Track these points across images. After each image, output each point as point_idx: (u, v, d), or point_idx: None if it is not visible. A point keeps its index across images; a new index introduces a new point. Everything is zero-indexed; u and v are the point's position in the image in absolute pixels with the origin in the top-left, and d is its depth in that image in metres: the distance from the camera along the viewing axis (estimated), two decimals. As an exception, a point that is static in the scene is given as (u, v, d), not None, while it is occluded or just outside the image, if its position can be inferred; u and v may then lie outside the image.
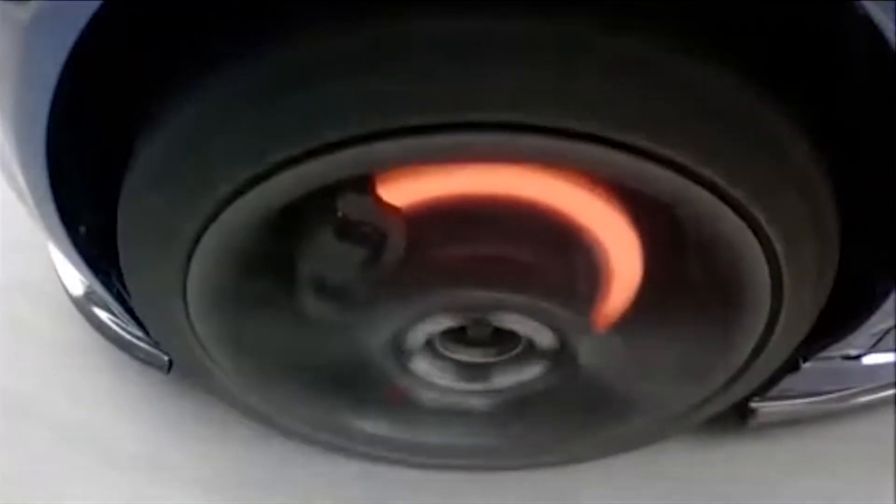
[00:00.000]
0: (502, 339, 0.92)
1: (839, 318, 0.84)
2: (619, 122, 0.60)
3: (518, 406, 0.98)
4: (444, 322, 0.85)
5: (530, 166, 0.70)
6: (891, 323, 0.86)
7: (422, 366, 0.93)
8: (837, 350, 0.91)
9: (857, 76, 0.67)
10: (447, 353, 0.93)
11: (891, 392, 1.03)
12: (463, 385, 0.95)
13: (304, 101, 0.61)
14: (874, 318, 0.82)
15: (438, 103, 0.59)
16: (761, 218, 0.67)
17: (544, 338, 0.86)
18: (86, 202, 0.79)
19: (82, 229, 0.80)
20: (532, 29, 0.58)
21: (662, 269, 0.80)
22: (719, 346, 0.84)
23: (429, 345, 0.91)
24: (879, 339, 0.90)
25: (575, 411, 0.97)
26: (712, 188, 0.64)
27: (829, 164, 0.69)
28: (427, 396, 0.97)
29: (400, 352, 0.89)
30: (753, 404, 1.00)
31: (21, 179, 0.73)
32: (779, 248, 0.70)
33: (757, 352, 0.83)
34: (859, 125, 0.70)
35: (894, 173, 0.71)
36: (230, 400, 1.02)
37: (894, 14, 0.53)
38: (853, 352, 0.93)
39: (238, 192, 0.66)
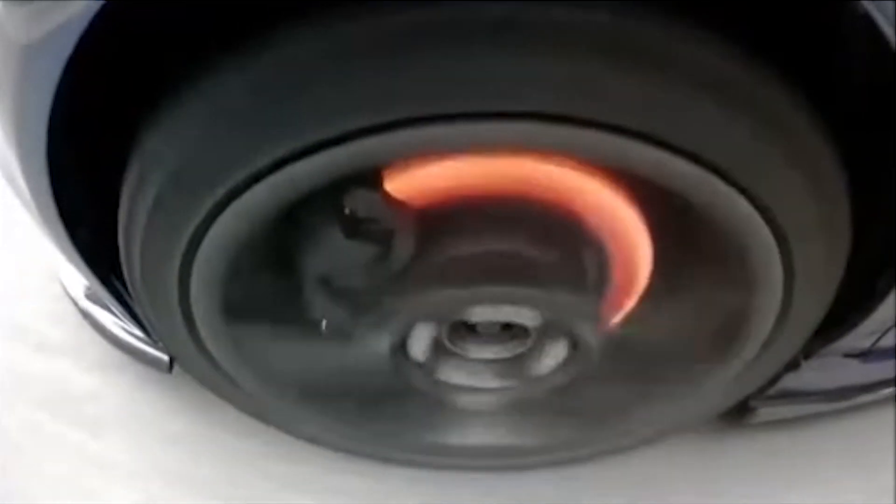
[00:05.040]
0: (512, 336, 0.91)
1: (840, 315, 0.84)
2: (632, 111, 0.60)
3: (523, 405, 0.98)
4: (452, 319, 0.84)
5: (540, 157, 0.70)
6: (891, 321, 0.86)
7: (429, 364, 0.92)
8: (838, 348, 0.91)
9: (858, 75, 0.68)
10: (456, 350, 0.93)
11: (891, 390, 1.04)
12: (470, 382, 0.95)
13: (310, 95, 0.60)
14: (875, 316, 0.82)
15: (446, 93, 0.59)
16: (775, 211, 0.67)
17: (554, 334, 0.86)
18: (86, 202, 0.79)
19: (83, 230, 0.80)
20: (540, 18, 0.58)
21: (673, 263, 0.80)
22: (729, 341, 0.84)
23: (437, 342, 0.90)
24: (880, 338, 0.90)
25: (581, 408, 0.97)
26: (727, 180, 0.64)
27: (841, 158, 0.69)
28: (436, 395, 0.97)
29: (407, 350, 0.89)
30: (753, 403, 1.00)
31: (21, 180, 0.73)
32: (792, 241, 0.70)
33: (766, 347, 0.83)
34: (859, 124, 0.70)
35: (894, 172, 0.71)
36: (233, 400, 1.02)
37: (894, 14, 0.53)
38: (854, 350, 0.93)
39: (243, 188, 0.66)
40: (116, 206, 0.76)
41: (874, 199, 0.74)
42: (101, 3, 0.54)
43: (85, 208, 0.79)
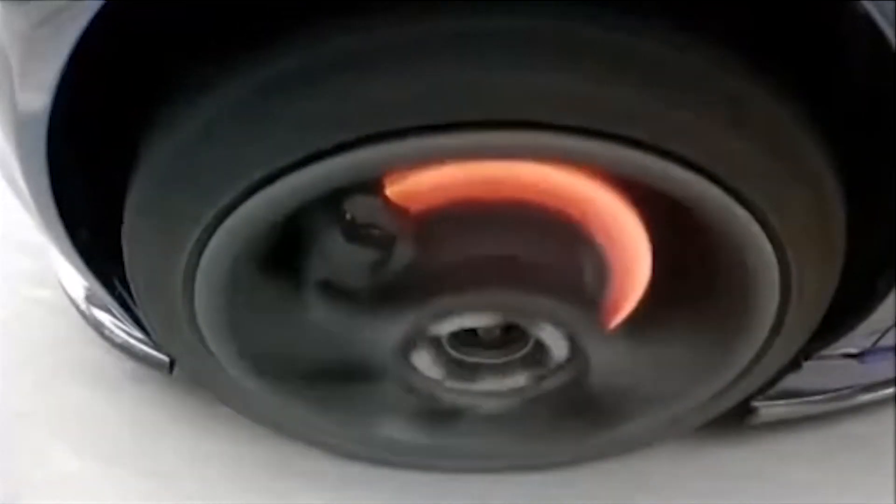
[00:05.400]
0: (511, 340, 0.91)
1: (840, 316, 0.84)
2: (633, 120, 0.60)
3: (525, 406, 0.97)
4: (453, 324, 0.84)
5: (543, 164, 0.70)
6: (891, 321, 0.86)
7: (430, 367, 0.92)
8: (838, 348, 0.91)
9: (858, 76, 0.68)
10: (456, 355, 0.92)
11: (891, 390, 1.04)
12: (471, 386, 0.95)
13: (313, 103, 0.60)
14: (875, 316, 0.83)
15: (447, 103, 0.59)
16: (772, 216, 0.67)
17: (553, 339, 0.86)
18: (86, 203, 0.79)
19: (83, 231, 0.80)
20: (540, 28, 0.58)
21: (672, 269, 0.80)
22: (726, 345, 0.84)
23: (437, 346, 0.90)
24: (880, 338, 0.90)
25: (580, 412, 0.97)
26: (724, 186, 0.64)
27: (838, 162, 0.69)
28: (437, 396, 0.97)
29: (408, 353, 0.89)
30: (754, 403, 1.00)
31: (21, 182, 0.73)
32: (789, 247, 0.70)
33: (763, 351, 0.83)
34: (859, 124, 0.70)
35: (894, 172, 0.71)
36: (234, 402, 1.02)
37: (894, 14, 0.53)
38: (853, 350, 0.93)
39: (246, 196, 0.66)
40: (116, 206, 0.75)
41: (874, 200, 0.74)
42: (101, 2, 0.54)
43: (85, 208, 0.79)
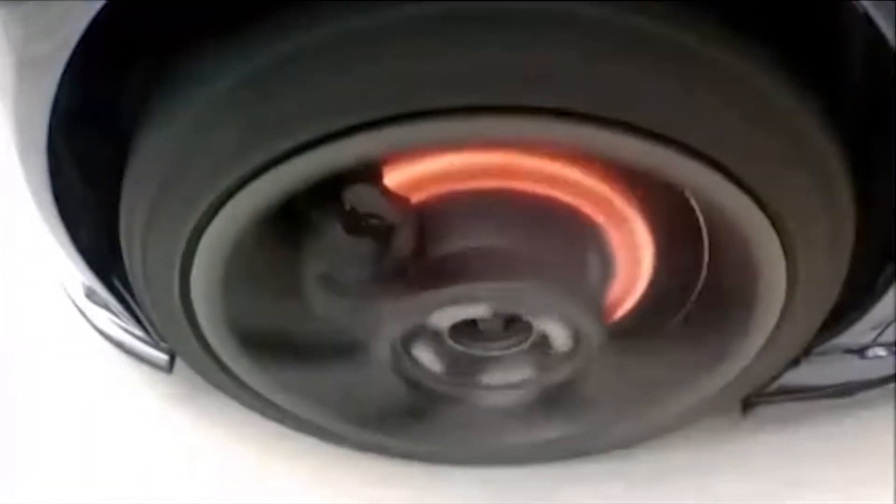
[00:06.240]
0: (514, 333, 0.91)
1: (840, 311, 0.84)
2: (634, 106, 0.59)
3: (532, 401, 0.98)
4: (455, 315, 0.84)
5: (546, 152, 0.69)
6: (891, 316, 0.86)
7: (430, 359, 0.93)
8: (838, 344, 0.91)
9: (857, 76, 0.67)
10: (457, 347, 0.92)
11: (891, 386, 1.04)
12: (469, 379, 0.95)
13: (307, 90, 0.60)
14: (875, 312, 0.83)
15: (446, 87, 0.59)
16: (779, 208, 0.67)
17: (557, 332, 0.86)
18: (86, 203, 0.79)
19: (83, 231, 0.80)
20: (540, 9, 0.57)
21: (675, 263, 0.80)
22: (729, 342, 0.84)
23: (438, 338, 0.90)
24: (880, 333, 0.90)
25: (578, 408, 0.97)
26: (730, 177, 0.64)
27: (847, 156, 0.68)
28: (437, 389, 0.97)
29: (409, 345, 0.89)
30: (754, 400, 1.01)
31: (21, 180, 0.73)
32: (796, 240, 0.70)
33: (766, 347, 0.83)
34: (859, 124, 0.70)
35: (894, 170, 0.71)
36: (235, 395, 1.02)
37: (894, 14, 0.53)
38: (854, 346, 0.93)
39: (242, 183, 0.65)
40: (116, 206, 0.75)
41: (874, 197, 0.74)
42: (101, 2, 0.54)
43: (85, 208, 0.79)
